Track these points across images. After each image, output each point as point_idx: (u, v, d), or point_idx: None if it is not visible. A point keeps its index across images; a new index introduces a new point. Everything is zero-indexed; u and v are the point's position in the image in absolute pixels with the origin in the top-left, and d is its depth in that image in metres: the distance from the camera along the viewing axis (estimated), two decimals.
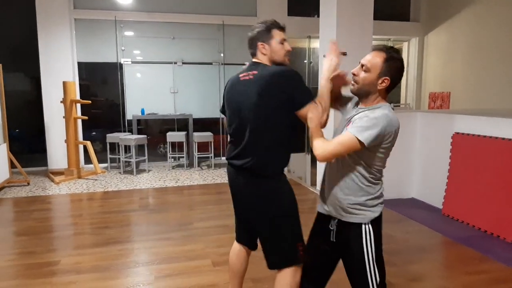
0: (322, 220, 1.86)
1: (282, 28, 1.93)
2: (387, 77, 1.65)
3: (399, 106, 8.65)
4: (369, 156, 1.67)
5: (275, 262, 1.95)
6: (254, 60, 1.98)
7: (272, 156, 1.88)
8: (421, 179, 4.77)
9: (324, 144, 1.64)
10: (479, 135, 3.91)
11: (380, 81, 1.66)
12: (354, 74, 1.71)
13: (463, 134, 4.10)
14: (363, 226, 1.71)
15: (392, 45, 8.61)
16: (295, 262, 1.91)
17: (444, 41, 7.79)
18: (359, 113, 1.71)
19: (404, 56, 8.76)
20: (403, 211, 4.35)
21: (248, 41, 1.96)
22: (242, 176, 1.95)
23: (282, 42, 1.91)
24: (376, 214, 1.73)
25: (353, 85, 1.73)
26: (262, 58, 1.93)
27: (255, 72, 1.89)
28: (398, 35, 8.44)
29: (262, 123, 1.83)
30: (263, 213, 1.93)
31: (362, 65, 1.68)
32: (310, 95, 1.81)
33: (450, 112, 4.81)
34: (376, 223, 1.74)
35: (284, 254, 1.92)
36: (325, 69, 1.87)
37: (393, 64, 1.65)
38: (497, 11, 6.50)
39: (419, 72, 8.45)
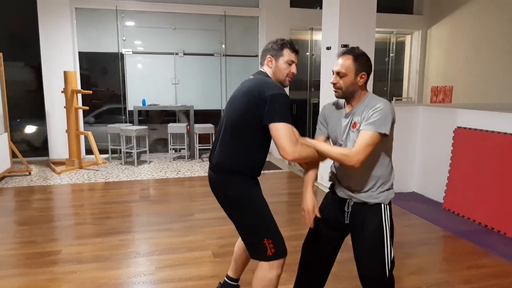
0: (335, 205, 1.96)
1: (295, 51, 1.98)
2: (363, 73, 1.85)
3: (401, 99, 8.62)
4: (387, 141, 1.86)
5: (250, 254, 2.00)
6: (260, 69, 2.05)
7: (237, 154, 1.91)
8: (422, 173, 4.76)
9: (351, 152, 1.75)
10: (481, 130, 3.89)
11: (359, 78, 1.84)
12: (334, 83, 1.87)
13: (465, 128, 4.08)
14: (382, 204, 1.88)
15: (395, 39, 8.58)
16: (264, 258, 1.91)
17: (447, 35, 7.74)
18: (357, 113, 1.85)
19: (407, 49, 8.71)
20: (404, 205, 4.35)
21: (261, 52, 2.05)
22: (213, 171, 2.01)
23: (289, 63, 1.96)
24: (392, 195, 1.92)
25: (336, 92, 1.88)
26: (267, 69, 2.01)
27: (255, 76, 2.00)
28: (401, 28, 8.38)
29: (237, 119, 1.89)
30: (229, 208, 2.02)
31: (338, 73, 1.84)
32: (283, 116, 1.78)
33: (452, 106, 4.79)
34: (390, 203, 1.93)
35: (252, 248, 1.97)
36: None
37: (362, 60, 1.85)
38: (500, 5, 6.44)
39: (422, 66, 8.41)
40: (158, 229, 3.66)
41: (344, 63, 1.83)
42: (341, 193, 1.95)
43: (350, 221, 1.92)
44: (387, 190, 1.89)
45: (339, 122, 1.91)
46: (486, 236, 3.49)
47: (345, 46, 4.51)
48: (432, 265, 2.97)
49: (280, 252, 1.92)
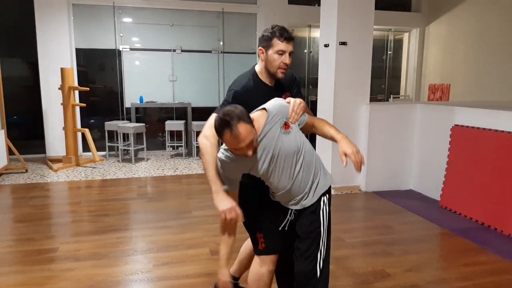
0: (277, 216, 1.88)
1: (285, 39, 1.83)
2: None
3: (399, 97, 8.63)
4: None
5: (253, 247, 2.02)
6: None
7: None
8: (420, 171, 4.78)
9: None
10: (478, 128, 3.90)
11: None
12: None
13: (462, 126, 4.09)
14: (322, 197, 1.79)
15: (393, 36, 8.56)
16: (256, 252, 1.95)
17: (445, 33, 7.74)
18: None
19: (405, 46, 8.71)
20: (401, 202, 4.37)
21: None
22: None
23: (279, 53, 1.84)
24: (329, 183, 1.83)
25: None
26: (260, 62, 1.93)
27: None
28: (399, 26, 8.38)
29: None
30: None
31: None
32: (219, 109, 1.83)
33: (449, 104, 4.80)
34: (329, 193, 1.83)
35: (251, 239, 2.01)
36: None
37: None
38: (498, 3, 6.45)
39: (419, 64, 8.41)
40: (156, 227, 3.65)
41: None
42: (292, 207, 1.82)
43: (292, 223, 1.83)
44: (322, 178, 1.81)
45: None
46: (483, 234, 3.50)
47: (343, 43, 4.50)
48: (429, 262, 2.98)
49: (271, 248, 1.91)
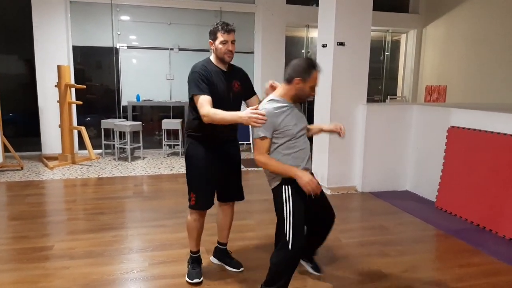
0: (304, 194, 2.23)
1: (227, 31, 2.32)
2: None
3: (396, 98, 8.65)
4: None
5: None
6: None
7: (189, 122, 2.52)
8: (416, 172, 4.79)
9: None
10: (474, 129, 3.92)
11: None
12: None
13: (458, 127, 4.11)
14: None
15: (391, 37, 8.58)
16: (189, 205, 2.62)
17: (442, 34, 7.77)
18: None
19: (402, 48, 8.74)
20: (397, 203, 4.38)
21: None
22: None
23: (223, 42, 2.33)
24: None
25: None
26: (212, 52, 2.43)
27: None
28: (397, 27, 8.40)
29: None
30: None
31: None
32: (194, 89, 2.33)
33: (446, 105, 4.82)
34: None
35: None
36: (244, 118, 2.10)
37: None
38: (496, 5, 6.47)
39: (416, 65, 8.44)
40: (152, 225, 3.65)
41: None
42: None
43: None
44: None
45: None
46: (478, 235, 3.52)
47: (340, 44, 4.51)
48: (425, 263, 2.99)
49: (199, 205, 2.58)
